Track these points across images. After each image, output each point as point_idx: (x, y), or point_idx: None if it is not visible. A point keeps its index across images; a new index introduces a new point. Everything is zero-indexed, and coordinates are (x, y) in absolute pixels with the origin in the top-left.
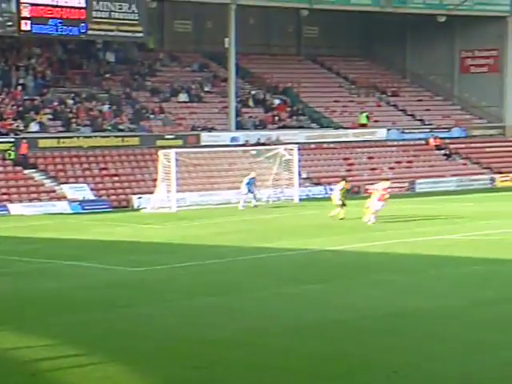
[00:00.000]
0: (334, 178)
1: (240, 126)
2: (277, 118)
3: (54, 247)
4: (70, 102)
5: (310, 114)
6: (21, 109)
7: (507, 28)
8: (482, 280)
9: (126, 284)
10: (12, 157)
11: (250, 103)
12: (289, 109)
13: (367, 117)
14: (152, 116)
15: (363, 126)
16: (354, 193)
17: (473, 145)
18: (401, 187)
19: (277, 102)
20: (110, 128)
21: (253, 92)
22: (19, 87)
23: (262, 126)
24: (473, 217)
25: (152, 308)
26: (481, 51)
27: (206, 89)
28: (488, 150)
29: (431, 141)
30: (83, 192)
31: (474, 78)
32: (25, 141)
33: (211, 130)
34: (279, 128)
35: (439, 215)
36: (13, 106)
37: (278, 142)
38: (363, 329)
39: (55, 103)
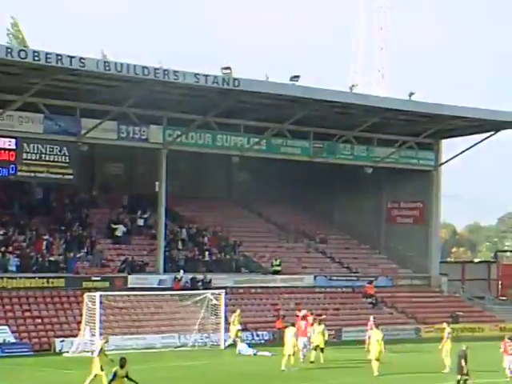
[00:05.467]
0: (260, 323)
1: (170, 262)
2: (207, 252)
3: None
4: None
5: (238, 258)
6: None
7: (432, 182)
8: None
9: None
10: None
11: (180, 245)
12: (218, 251)
13: (279, 264)
14: (80, 255)
15: (276, 272)
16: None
17: (399, 294)
18: (328, 335)
19: (207, 238)
20: (36, 267)
21: (183, 234)
22: None
23: (192, 262)
24: (398, 367)
25: None
26: (407, 203)
27: (135, 230)
28: (414, 299)
29: (368, 287)
30: (4, 334)
31: (400, 229)
32: None
33: (139, 271)
34: (208, 271)
35: (363, 365)
36: None
37: (206, 285)
38: None
39: None
